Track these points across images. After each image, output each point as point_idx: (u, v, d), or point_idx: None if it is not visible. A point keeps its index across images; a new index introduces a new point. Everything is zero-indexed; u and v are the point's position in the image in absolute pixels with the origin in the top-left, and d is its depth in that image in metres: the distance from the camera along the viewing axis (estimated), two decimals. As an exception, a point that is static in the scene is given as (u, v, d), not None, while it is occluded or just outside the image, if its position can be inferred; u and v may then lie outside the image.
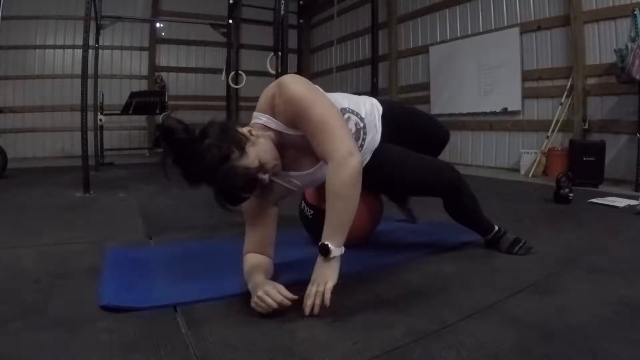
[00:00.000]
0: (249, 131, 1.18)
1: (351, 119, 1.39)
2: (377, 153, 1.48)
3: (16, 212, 2.56)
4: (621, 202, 2.71)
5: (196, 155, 1.06)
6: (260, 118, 1.24)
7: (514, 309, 1.16)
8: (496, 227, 1.70)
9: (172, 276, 1.41)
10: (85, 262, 1.56)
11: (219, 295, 1.23)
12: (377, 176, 1.49)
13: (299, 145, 1.24)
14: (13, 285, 1.33)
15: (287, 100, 1.18)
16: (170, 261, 1.58)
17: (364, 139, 1.42)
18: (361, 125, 1.42)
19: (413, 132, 1.64)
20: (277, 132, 1.22)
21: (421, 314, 1.13)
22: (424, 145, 1.64)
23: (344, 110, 1.38)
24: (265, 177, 1.14)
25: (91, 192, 3.18)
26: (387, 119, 1.52)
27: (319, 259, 1.13)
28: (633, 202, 2.63)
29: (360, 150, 1.42)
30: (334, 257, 1.11)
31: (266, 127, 1.23)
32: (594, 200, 2.83)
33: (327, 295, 1.07)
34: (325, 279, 1.10)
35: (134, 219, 2.36)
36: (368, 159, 1.46)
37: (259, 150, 1.14)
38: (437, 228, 2.04)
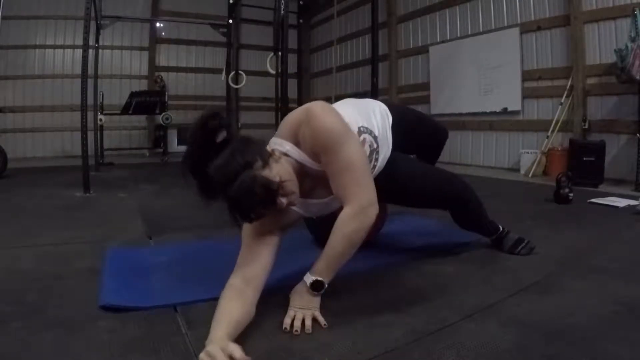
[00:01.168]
0: (272, 150, 1.12)
1: (366, 140, 1.31)
2: (389, 169, 1.45)
3: (16, 212, 2.56)
4: (621, 202, 2.71)
5: (218, 158, 1.00)
6: (283, 146, 1.15)
7: (514, 309, 1.16)
8: (500, 227, 1.71)
9: (172, 276, 1.41)
10: (85, 262, 1.57)
11: (219, 295, 1.22)
12: (385, 188, 1.49)
13: (318, 177, 1.19)
14: (13, 285, 1.33)
15: (316, 131, 1.11)
16: (170, 261, 1.58)
17: (376, 159, 1.37)
18: (375, 145, 1.35)
19: (418, 136, 1.65)
20: (298, 163, 1.16)
21: (421, 314, 1.13)
22: (427, 146, 1.66)
23: (360, 131, 1.29)
24: (284, 200, 1.06)
25: (91, 192, 3.18)
26: (395, 126, 1.50)
27: (306, 288, 1.11)
28: (633, 202, 2.63)
29: (374, 171, 1.38)
30: (322, 292, 1.13)
31: (287, 155, 1.15)
32: (594, 200, 2.83)
33: (321, 319, 1.08)
34: (311, 308, 1.10)
35: (134, 219, 2.36)
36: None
37: (281, 169, 1.07)
38: (437, 228, 2.04)
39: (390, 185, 1.48)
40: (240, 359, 0.84)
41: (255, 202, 1.00)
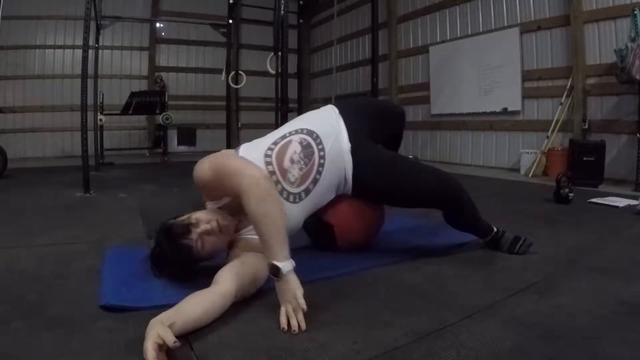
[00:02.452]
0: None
1: (293, 140, 1.45)
2: (375, 166, 1.52)
3: (16, 212, 2.56)
4: (621, 202, 2.71)
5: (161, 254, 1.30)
6: (210, 206, 1.41)
7: (514, 309, 1.16)
8: (495, 228, 1.70)
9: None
10: (85, 262, 1.57)
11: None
12: (379, 187, 1.54)
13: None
14: (13, 285, 1.33)
15: (203, 185, 1.35)
16: (170, 261, 1.58)
17: (322, 149, 1.46)
18: (308, 140, 1.46)
19: (375, 115, 1.73)
20: (222, 207, 1.37)
21: (421, 314, 1.13)
22: (388, 125, 1.77)
23: (283, 137, 1.47)
24: (207, 226, 1.26)
25: (91, 192, 3.18)
26: (345, 111, 1.60)
27: (275, 280, 1.11)
28: (633, 202, 2.64)
29: (325, 156, 1.45)
30: (288, 271, 1.10)
31: (217, 209, 1.37)
32: (594, 200, 2.83)
33: (302, 302, 1.06)
34: (292, 293, 1.08)
35: (134, 219, 2.36)
36: (349, 162, 1.49)
37: (197, 213, 1.32)
38: (436, 228, 2.04)
39: (384, 184, 1.54)
40: (169, 343, 0.87)
41: (177, 243, 1.24)
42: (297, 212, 1.41)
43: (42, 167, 5.24)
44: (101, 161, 5.25)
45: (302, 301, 1.06)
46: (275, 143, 1.45)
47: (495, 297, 1.24)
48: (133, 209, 2.65)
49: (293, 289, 1.09)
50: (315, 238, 1.74)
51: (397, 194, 1.57)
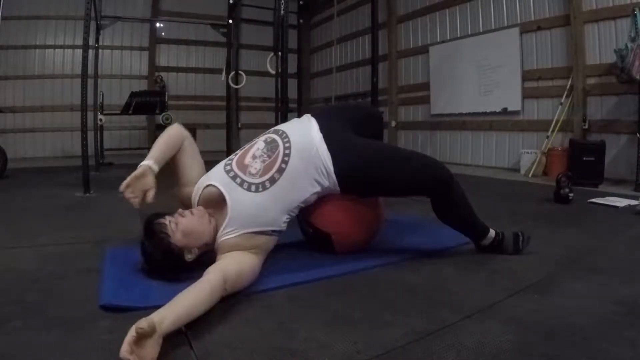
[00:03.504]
0: None
1: (258, 141, 1.54)
2: (354, 152, 1.52)
3: (16, 212, 2.56)
4: (621, 202, 2.71)
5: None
6: None
7: (514, 309, 1.16)
8: (493, 232, 1.65)
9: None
10: (85, 262, 1.57)
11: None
12: (361, 177, 1.52)
13: (208, 204, 1.46)
14: (13, 285, 1.33)
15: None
16: (170, 261, 1.58)
17: (287, 142, 1.50)
18: (274, 136, 1.53)
19: (350, 117, 1.74)
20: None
21: (421, 314, 1.13)
22: (365, 127, 1.75)
23: (251, 141, 1.58)
24: (179, 210, 1.46)
25: (91, 192, 3.18)
26: (318, 111, 1.70)
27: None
28: (633, 202, 2.63)
29: (291, 147, 1.47)
30: (140, 165, 1.48)
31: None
32: (594, 200, 2.83)
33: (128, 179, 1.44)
34: None
35: (134, 219, 2.36)
36: (324, 150, 1.49)
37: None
38: (437, 228, 2.03)
39: (367, 169, 1.51)
40: (137, 330, 0.86)
41: (151, 225, 1.39)
42: (264, 202, 1.38)
43: (42, 167, 5.24)
44: (101, 161, 5.24)
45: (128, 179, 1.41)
46: (242, 148, 1.55)
47: (495, 297, 1.24)
48: (133, 209, 2.63)
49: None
50: (313, 245, 1.72)
51: (383, 178, 1.52)
